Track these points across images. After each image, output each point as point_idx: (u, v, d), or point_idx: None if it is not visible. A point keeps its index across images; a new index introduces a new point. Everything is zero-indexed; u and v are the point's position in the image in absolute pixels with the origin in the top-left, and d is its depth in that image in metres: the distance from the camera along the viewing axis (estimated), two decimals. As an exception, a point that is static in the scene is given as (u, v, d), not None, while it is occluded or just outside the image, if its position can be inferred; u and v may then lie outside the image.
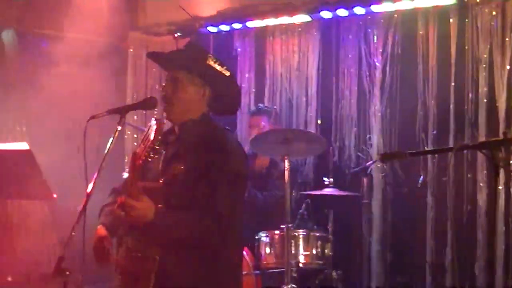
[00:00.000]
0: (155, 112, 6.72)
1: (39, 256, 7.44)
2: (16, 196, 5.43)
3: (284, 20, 7.32)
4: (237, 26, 7.63)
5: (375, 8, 6.82)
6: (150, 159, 3.46)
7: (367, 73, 6.96)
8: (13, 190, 4.82)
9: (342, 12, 6.96)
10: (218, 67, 3.66)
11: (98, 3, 7.28)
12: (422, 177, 5.93)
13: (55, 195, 4.96)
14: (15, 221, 7.82)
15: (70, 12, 7.15)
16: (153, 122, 3.53)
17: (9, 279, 4.66)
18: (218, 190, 3.46)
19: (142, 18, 8.29)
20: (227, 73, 3.69)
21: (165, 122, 3.64)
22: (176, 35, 7.81)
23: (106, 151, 3.42)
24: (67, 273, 3.18)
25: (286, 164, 5.72)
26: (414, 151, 4.41)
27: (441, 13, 6.63)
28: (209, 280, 3.48)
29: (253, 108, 7.19)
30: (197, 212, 3.42)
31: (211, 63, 3.65)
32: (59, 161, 6.54)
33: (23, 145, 4.71)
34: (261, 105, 7.12)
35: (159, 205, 3.36)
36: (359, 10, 6.88)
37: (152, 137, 3.44)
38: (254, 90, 7.63)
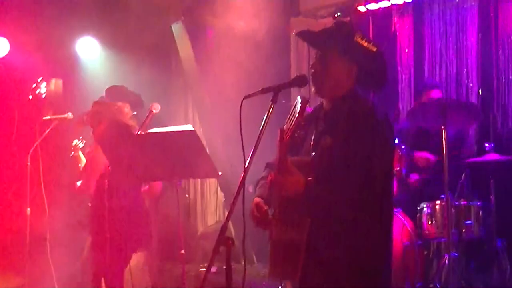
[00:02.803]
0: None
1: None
2: (185, 176, 5.60)
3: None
4: (395, 2, 7.66)
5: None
6: (296, 135, 3.56)
7: (527, 40, 6.79)
8: (182, 170, 4.93)
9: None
10: (365, 43, 3.68)
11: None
12: None
13: (220, 173, 5.09)
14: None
15: (234, 1, 7.41)
16: (299, 99, 3.56)
17: (182, 251, 4.94)
18: (372, 162, 3.47)
19: (303, 2, 8.47)
20: (374, 49, 3.70)
21: (309, 99, 3.67)
22: (336, 16, 7.96)
23: (261, 128, 3.41)
24: (230, 242, 3.23)
25: (444, 134, 5.68)
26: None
27: None
28: (361, 252, 3.49)
29: (427, 83, 7.11)
30: (352, 184, 3.43)
31: (359, 39, 3.67)
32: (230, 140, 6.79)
33: (188, 127, 4.90)
34: (431, 79, 7.18)
35: (309, 178, 3.43)
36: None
37: (297, 114, 3.48)
38: (413, 65, 7.64)
